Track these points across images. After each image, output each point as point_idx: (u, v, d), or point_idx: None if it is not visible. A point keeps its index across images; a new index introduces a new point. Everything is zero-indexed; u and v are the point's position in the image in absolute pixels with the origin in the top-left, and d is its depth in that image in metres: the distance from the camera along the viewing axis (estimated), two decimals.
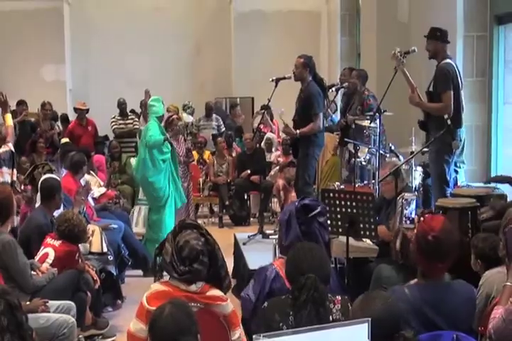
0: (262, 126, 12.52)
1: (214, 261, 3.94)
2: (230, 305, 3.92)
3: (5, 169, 6.96)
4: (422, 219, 3.97)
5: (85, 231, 6.15)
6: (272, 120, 13.13)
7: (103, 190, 8.89)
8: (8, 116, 7.47)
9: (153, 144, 8.59)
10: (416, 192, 6.86)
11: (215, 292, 3.88)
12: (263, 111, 10.80)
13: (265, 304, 3.78)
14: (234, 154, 12.38)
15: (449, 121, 6.58)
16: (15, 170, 7.18)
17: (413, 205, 4.24)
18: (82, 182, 7.99)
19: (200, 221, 10.59)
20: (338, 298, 3.72)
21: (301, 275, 3.59)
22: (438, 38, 7.17)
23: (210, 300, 3.82)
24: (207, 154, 12.44)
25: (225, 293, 3.96)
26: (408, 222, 4.21)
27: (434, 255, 3.67)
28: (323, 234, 4.53)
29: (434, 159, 7.25)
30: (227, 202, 11.61)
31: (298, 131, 7.94)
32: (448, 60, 7.21)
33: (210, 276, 3.91)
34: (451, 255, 3.73)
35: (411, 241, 4.03)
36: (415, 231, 3.92)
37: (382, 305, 3.06)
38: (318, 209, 4.50)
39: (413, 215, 4.25)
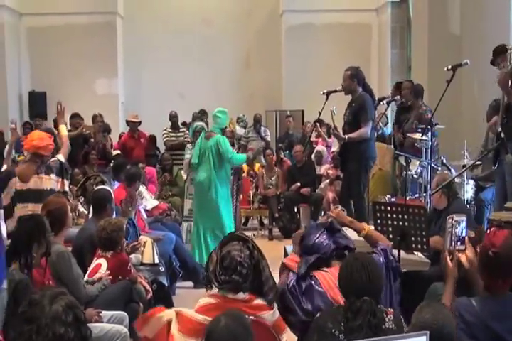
0: (317, 140, 12.51)
1: (257, 275, 3.97)
2: (276, 312, 4.00)
3: (53, 176, 7.06)
4: (488, 231, 3.94)
5: (112, 231, 5.78)
6: (328, 135, 12.97)
7: (155, 202, 8.97)
8: (63, 127, 7.61)
9: (238, 163, 9.13)
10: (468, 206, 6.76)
11: (261, 301, 3.95)
12: (316, 124, 10.76)
13: (318, 314, 3.78)
14: (284, 166, 12.38)
15: (502, 134, 6.50)
16: (66, 181, 7.27)
17: (463, 224, 4.18)
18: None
19: (249, 233, 10.62)
20: (390, 309, 3.72)
21: (356, 297, 3.56)
22: None
23: (256, 310, 3.89)
24: (257, 166, 12.46)
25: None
26: (459, 243, 4.15)
27: (495, 271, 3.63)
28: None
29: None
30: (276, 215, 11.61)
31: (347, 136, 7.80)
32: None
33: (253, 289, 3.96)
34: None
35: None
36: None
37: (442, 318, 3.04)
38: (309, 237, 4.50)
39: (463, 234, 4.18)
